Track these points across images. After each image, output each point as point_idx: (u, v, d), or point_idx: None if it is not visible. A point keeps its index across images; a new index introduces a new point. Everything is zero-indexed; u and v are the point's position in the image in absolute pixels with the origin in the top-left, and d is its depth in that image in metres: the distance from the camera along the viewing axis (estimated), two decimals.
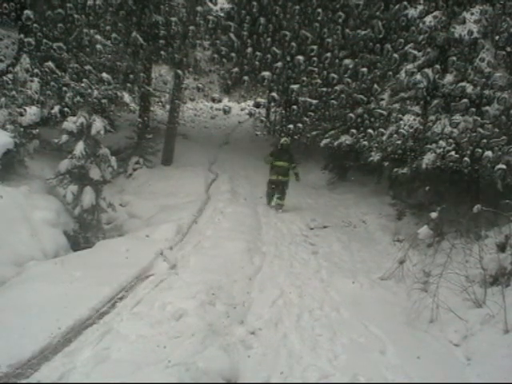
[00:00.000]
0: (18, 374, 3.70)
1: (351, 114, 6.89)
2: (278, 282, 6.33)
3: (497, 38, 6.47)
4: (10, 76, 8.20)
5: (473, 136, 6.46)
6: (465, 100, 6.51)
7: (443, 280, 5.61)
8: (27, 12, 3.61)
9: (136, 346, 4.19)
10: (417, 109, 7.71)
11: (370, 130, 6.64)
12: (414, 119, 7.57)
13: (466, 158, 5.55)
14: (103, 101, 8.47)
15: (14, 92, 8.14)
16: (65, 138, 8.31)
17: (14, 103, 8.18)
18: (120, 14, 6.95)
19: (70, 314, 4.56)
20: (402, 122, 7.71)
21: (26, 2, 4.59)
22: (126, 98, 9.60)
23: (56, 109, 8.18)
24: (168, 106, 13.25)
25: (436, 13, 7.17)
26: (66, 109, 7.71)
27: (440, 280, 5.59)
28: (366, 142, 7.69)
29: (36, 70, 7.90)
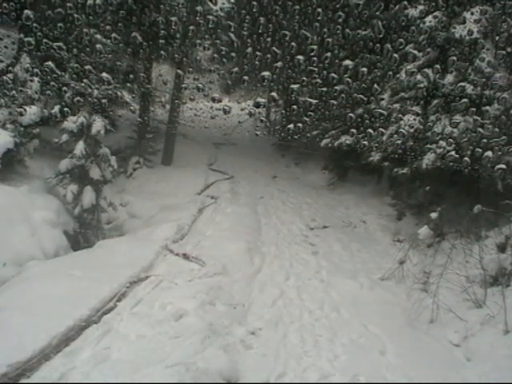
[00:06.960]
0: (18, 374, 3.70)
1: (351, 114, 6.87)
2: (278, 282, 6.33)
3: (497, 38, 6.47)
4: (10, 76, 8.19)
5: (473, 136, 6.46)
6: (465, 100, 6.52)
7: (443, 280, 5.61)
8: (27, 12, 3.60)
9: (136, 345, 4.19)
10: (417, 109, 7.70)
11: (370, 130, 6.63)
12: (414, 119, 7.56)
13: (466, 158, 5.54)
14: (103, 101, 8.45)
15: (13, 92, 8.12)
16: (65, 137, 8.31)
17: (14, 103, 8.16)
18: (120, 14, 6.94)
19: (70, 314, 4.56)
20: (402, 122, 7.70)
21: (26, 1, 4.58)
22: (126, 97, 9.59)
23: (56, 108, 8.16)
24: (168, 106, 13.23)
25: (436, 13, 7.17)
26: (65, 108, 7.69)
27: (440, 280, 5.59)
28: (366, 142, 7.68)
29: (36, 70, 7.88)
